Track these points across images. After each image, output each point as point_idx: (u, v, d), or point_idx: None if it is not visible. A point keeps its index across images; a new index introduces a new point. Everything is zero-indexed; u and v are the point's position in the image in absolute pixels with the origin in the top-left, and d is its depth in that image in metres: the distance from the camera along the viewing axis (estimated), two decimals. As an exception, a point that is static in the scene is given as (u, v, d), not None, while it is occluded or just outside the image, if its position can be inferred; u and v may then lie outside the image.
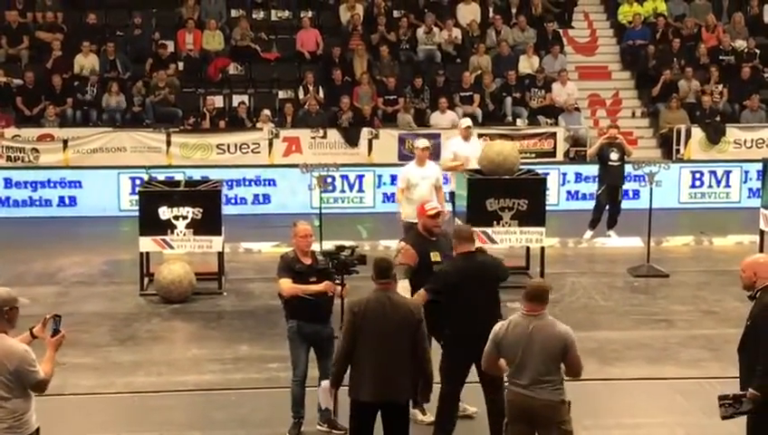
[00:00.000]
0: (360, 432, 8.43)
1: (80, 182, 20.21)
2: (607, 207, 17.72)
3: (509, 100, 23.00)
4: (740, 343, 8.05)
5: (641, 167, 16.48)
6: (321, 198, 15.76)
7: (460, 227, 10.44)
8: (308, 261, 9.80)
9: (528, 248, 15.40)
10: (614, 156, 17.56)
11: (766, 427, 7.90)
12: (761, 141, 22.40)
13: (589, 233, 17.87)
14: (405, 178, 14.76)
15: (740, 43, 24.80)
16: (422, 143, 15.28)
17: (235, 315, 13.90)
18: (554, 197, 20.08)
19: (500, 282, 9.61)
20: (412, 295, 9.37)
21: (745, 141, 22.49)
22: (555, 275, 15.16)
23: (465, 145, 16.46)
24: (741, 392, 7.88)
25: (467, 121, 17.28)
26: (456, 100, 22.87)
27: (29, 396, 7.30)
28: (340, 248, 9.84)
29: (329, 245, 10.49)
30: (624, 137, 18.85)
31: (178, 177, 18.03)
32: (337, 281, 9.74)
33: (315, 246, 10.39)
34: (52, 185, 20.20)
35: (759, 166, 17.09)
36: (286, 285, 9.71)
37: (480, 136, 21.90)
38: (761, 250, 16.09)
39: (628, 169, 17.51)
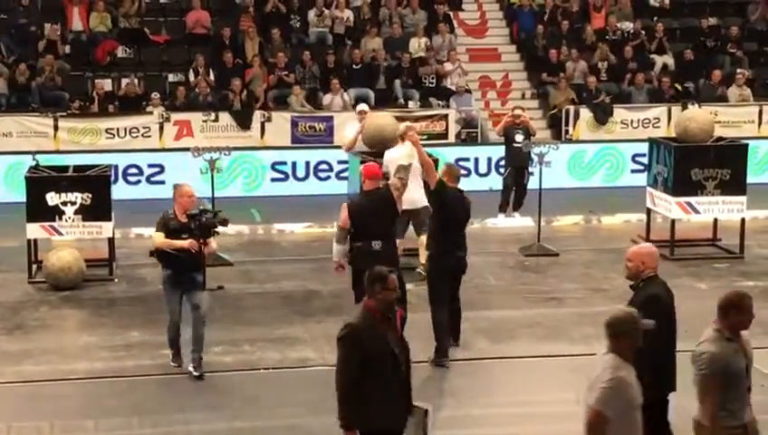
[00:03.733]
0: None
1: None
2: (513, 188, 17.90)
3: (398, 82, 23.07)
4: None
5: (531, 147, 16.68)
6: (213, 182, 15.61)
7: (452, 166, 12.03)
8: (185, 220, 10.78)
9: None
10: (519, 137, 17.59)
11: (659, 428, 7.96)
12: (647, 121, 22.86)
13: (500, 217, 18.00)
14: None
15: (626, 25, 25.25)
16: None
17: (126, 302, 13.73)
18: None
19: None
20: None
21: (632, 121, 22.93)
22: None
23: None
24: None
25: (363, 106, 17.28)
26: (347, 81, 22.86)
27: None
28: (203, 211, 10.85)
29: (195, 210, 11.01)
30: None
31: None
32: (201, 240, 10.69)
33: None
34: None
35: (646, 145, 17.41)
36: (158, 238, 10.88)
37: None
38: (647, 228, 16.45)
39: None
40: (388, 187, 11.35)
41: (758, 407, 10.17)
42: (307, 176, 20.73)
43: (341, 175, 19.70)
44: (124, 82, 22.46)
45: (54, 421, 9.90)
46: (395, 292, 7.41)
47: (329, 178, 20.62)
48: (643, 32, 25.01)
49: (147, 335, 12.29)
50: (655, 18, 25.70)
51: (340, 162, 19.89)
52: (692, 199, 15.68)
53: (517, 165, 17.69)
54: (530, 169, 17.51)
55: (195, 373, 10.90)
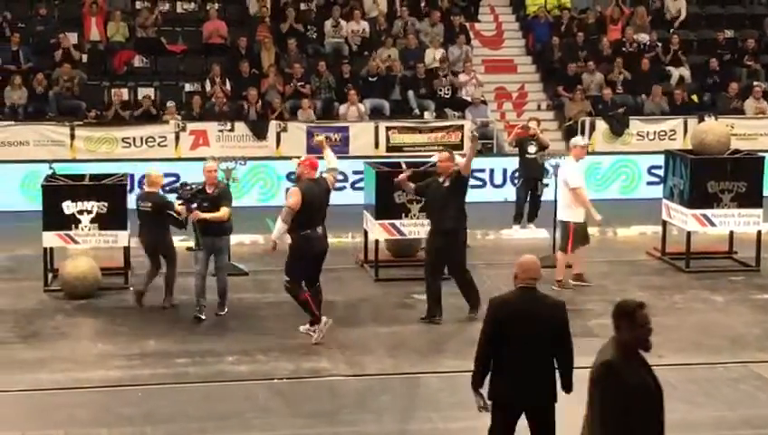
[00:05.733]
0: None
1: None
2: (527, 199, 17.88)
3: (411, 93, 23.08)
4: None
5: (546, 159, 16.67)
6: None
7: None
8: (209, 190, 13.21)
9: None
10: (531, 149, 17.62)
11: None
12: (663, 133, 22.83)
13: (515, 228, 17.96)
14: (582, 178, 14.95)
15: (643, 37, 25.24)
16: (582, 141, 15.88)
17: (141, 310, 13.74)
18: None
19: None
20: None
21: (648, 133, 22.89)
22: (463, 266, 15.28)
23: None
24: None
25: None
26: (363, 92, 22.89)
27: None
28: (184, 185, 13.49)
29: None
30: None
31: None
32: (187, 208, 13.20)
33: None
34: (-48, 179, 19.79)
35: (661, 157, 17.37)
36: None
37: (388, 129, 22.15)
38: (663, 240, 16.41)
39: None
40: (325, 178, 12.63)
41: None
42: (322, 186, 20.72)
43: (356, 185, 19.72)
44: (141, 92, 22.52)
45: (69, 430, 9.90)
46: (645, 328, 6.73)
47: (344, 188, 20.59)
48: (659, 44, 24.98)
49: (162, 344, 12.32)
50: (671, 30, 25.68)
51: (355, 172, 19.92)
52: (708, 212, 15.63)
53: (530, 176, 17.69)
54: (544, 181, 17.51)
55: (215, 313, 13.22)
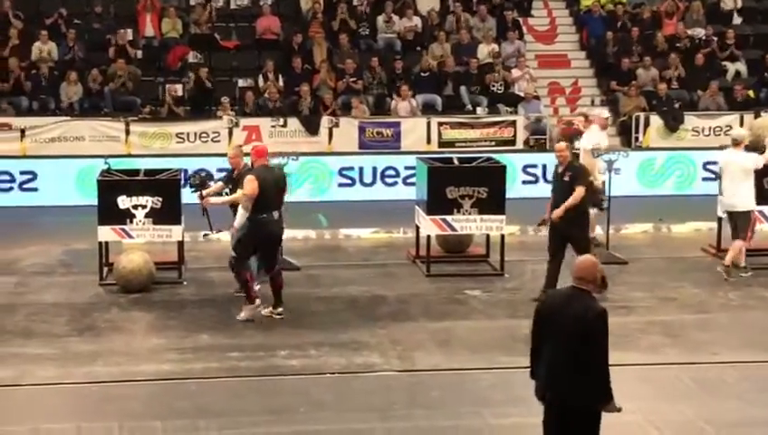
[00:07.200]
0: None
1: (37, 172, 20.06)
2: None
3: (463, 88, 23.02)
4: None
5: (600, 155, 16.53)
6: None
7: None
8: (234, 174, 13.61)
9: (488, 236, 15.49)
10: (578, 144, 17.50)
11: None
12: (718, 129, 22.56)
13: None
14: None
15: (698, 31, 24.98)
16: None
17: (195, 305, 13.83)
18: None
19: None
20: None
21: (703, 129, 22.65)
22: (515, 262, 15.24)
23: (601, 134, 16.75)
24: None
25: (606, 112, 17.94)
26: (415, 87, 22.87)
27: None
28: (195, 173, 14.28)
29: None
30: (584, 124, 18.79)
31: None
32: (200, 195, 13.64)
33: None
34: (9, 174, 20.02)
35: (717, 153, 17.17)
36: None
37: (440, 125, 22.08)
38: (718, 236, 16.24)
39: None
40: (278, 166, 13.54)
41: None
42: (374, 181, 20.77)
43: (408, 180, 19.72)
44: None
45: (123, 422, 9.99)
46: None
47: (396, 183, 20.64)
48: (714, 38, 24.71)
49: (215, 338, 12.38)
50: (727, 25, 25.38)
51: (407, 168, 19.93)
52: (765, 209, 15.44)
53: None
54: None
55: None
